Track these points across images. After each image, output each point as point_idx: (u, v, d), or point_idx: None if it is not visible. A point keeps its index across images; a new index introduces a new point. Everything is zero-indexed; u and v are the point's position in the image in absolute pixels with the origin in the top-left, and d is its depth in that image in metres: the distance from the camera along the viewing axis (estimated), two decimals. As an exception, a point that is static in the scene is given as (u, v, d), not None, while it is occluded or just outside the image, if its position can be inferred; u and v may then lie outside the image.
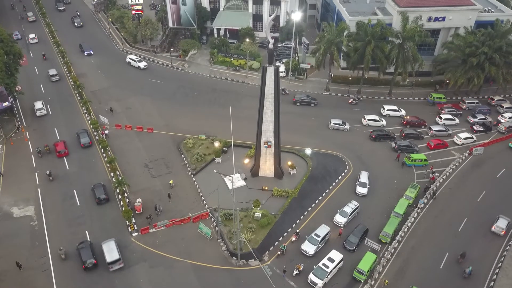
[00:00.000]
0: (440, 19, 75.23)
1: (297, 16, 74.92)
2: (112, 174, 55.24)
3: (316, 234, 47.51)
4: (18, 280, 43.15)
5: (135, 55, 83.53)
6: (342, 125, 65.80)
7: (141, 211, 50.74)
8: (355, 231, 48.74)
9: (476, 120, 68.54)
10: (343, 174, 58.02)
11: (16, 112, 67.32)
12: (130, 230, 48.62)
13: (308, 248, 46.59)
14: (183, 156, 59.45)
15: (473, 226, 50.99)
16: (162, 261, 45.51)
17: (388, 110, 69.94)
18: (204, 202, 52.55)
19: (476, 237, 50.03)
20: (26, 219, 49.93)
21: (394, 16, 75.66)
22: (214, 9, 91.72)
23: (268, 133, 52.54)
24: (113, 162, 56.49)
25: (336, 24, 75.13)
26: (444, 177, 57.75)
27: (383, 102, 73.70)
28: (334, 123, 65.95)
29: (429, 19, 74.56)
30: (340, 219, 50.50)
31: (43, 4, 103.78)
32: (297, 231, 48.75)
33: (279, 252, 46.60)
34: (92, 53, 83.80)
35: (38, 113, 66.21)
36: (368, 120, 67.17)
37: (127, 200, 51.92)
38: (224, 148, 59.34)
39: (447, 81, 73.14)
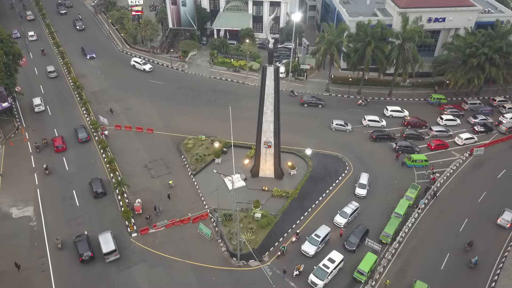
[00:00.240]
0: (440, 20, 75.18)
1: (297, 17, 74.86)
2: (111, 175, 55.05)
3: (316, 235, 47.30)
4: (16, 280, 42.93)
5: (140, 57, 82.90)
6: (344, 126, 65.70)
7: (141, 211, 50.54)
8: (356, 231, 48.53)
9: (476, 120, 68.40)
10: (343, 174, 57.85)
11: (16, 112, 67.23)
12: (129, 230, 48.41)
13: (309, 248, 46.38)
14: (182, 156, 59.29)
15: (474, 227, 50.74)
16: (162, 262, 45.29)
17: (391, 110, 69.87)
18: (204, 202, 52.35)
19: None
20: (25, 219, 49.75)
21: (394, 17, 75.63)
22: (214, 10, 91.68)
23: (268, 133, 52.39)
24: (113, 162, 56.34)
25: (336, 25, 75.07)
26: (445, 177, 57.59)
27: (383, 102, 73.66)
28: (336, 124, 65.82)
29: (429, 20, 74.51)
30: (340, 220, 50.31)
31: (44, 6, 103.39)
32: (297, 231, 48.55)
33: (279, 253, 46.38)
34: (94, 56, 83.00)
35: (36, 109, 67.23)
36: (369, 120, 67.05)
37: (127, 200, 51.72)
38: (224, 149, 59.19)
39: (447, 82, 73.01)
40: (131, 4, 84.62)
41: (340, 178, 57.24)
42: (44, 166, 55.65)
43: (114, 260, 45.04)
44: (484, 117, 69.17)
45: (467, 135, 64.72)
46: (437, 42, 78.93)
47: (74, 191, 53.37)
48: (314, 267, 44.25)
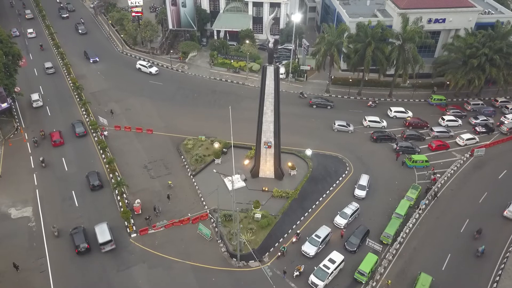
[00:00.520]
0: (440, 20, 75.09)
1: (297, 18, 74.85)
2: (111, 175, 54.86)
3: (316, 235, 47.04)
4: (15, 281, 42.63)
5: (145, 60, 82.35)
6: (347, 127, 65.53)
7: (140, 212, 50.30)
8: (356, 232, 48.28)
9: (477, 121, 68.25)
10: (343, 175, 57.63)
11: (15, 113, 67.04)
12: (129, 231, 48.14)
13: (309, 249, 46.11)
14: (182, 157, 59.08)
15: (475, 227, 50.44)
16: (161, 262, 45.02)
17: (395, 111, 69.73)
18: (204, 203, 52.09)
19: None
20: (24, 220, 49.51)
21: (394, 17, 75.56)
22: (214, 11, 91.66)
23: (268, 133, 52.20)
24: (112, 162, 56.12)
25: (336, 26, 74.97)
26: (446, 178, 57.36)
27: (383, 103, 73.52)
28: (338, 125, 65.64)
29: (429, 21, 74.40)
30: (340, 221, 50.05)
31: (44, 7, 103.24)
32: (298, 232, 48.30)
33: (279, 253, 46.12)
34: (98, 60, 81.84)
35: (34, 104, 68.27)
36: (369, 121, 66.88)
37: (126, 201, 51.47)
38: (224, 149, 58.98)
39: (448, 82, 72.88)
40: (131, 5, 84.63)
41: (340, 178, 57.01)
42: (41, 159, 56.58)
43: (113, 261, 44.81)
44: (485, 118, 69.00)
45: (468, 135, 64.55)
46: (437, 43, 78.81)
47: (73, 191, 53.16)
48: (315, 267, 44.01)
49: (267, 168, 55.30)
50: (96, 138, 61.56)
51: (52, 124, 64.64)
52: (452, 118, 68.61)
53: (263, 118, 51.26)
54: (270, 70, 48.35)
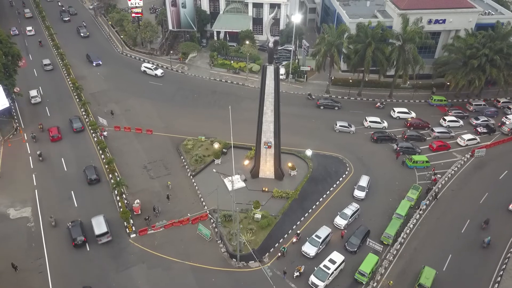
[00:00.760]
0: (440, 21, 75.04)
1: (297, 19, 74.83)
2: (110, 175, 54.65)
3: (317, 236, 46.78)
4: (13, 281, 42.32)
5: (150, 62, 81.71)
6: (348, 127, 65.35)
7: (140, 212, 50.06)
8: (357, 232, 48.03)
9: (478, 122, 68.11)
10: (344, 175, 57.42)
11: (14, 113, 66.88)
12: (128, 231, 47.89)
13: (309, 249, 45.85)
14: (182, 157, 58.88)
15: (476, 228, 50.27)
16: (161, 263, 44.76)
17: (398, 112, 69.62)
18: (204, 203, 51.87)
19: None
20: (22, 220, 49.25)
21: (394, 18, 75.51)
22: (214, 12, 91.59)
23: (268, 133, 52.00)
24: (112, 163, 55.91)
25: (336, 27, 74.88)
26: (446, 178, 57.14)
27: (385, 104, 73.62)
28: (340, 126, 65.46)
29: (430, 22, 74.35)
30: (340, 221, 49.79)
31: (45, 9, 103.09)
32: (298, 232, 48.06)
33: (279, 254, 45.86)
34: (101, 63, 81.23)
35: (32, 101, 69.19)
36: (370, 122, 66.72)
37: (126, 201, 51.24)
38: (223, 150, 58.79)
39: (448, 83, 72.74)
40: (131, 6, 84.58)
41: (340, 179, 56.80)
42: (38, 152, 57.29)
43: (113, 261, 44.62)
44: (486, 119, 68.88)
45: (469, 136, 64.39)
46: (438, 44, 78.78)
47: (72, 191, 52.92)
48: (315, 268, 43.74)
49: (267, 169, 55.09)
50: (93, 133, 61.96)
51: (50, 123, 64.53)
52: (454, 118, 68.43)
53: (263, 118, 51.08)
54: (270, 69, 48.20)
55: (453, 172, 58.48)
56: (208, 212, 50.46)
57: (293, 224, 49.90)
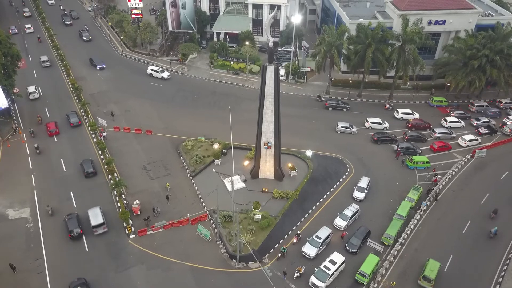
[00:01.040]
0: (440, 22, 74.99)
1: (297, 19, 74.79)
2: (109, 176, 54.44)
3: (317, 236, 46.50)
4: (12, 282, 42.03)
5: (155, 65, 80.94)
6: (350, 128, 65.19)
7: (139, 212, 49.82)
8: (357, 233, 47.76)
9: (479, 123, 67.97)
10: (344, 176, 57.20)
11: (14, 114, 66.70)
12: (127, 232, 47.63)
13: (309, 250, 45.57)
14: (182, 158, 58.66)
15: (477, 229, 50.05)
16: (160, 263, 44.46)
17: (402, 113, 69.53)
18: (203, 204, 51.62)
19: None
20: (21, 221, 48.99)
21: (394, 19, 75.46)
22: (214, 13, 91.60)
23: (268, 133, 51.81)
24: (111, 163, 55.69)
25: (336, 28, 74.81)
26: (447, 179, 56.93)
27: (382, 105, 73.36)
28: (341, 126, 65.28)
29: (430, 23, 74.28)
30: (340, 223, 49.50)
31: (46, 13, 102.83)
32: (298, 232, 47.80)
33: (279, 254, 45.58)
34: (104, 67, 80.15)
35: (31, 97, 70.21)
36: (371, 122, 66.55)
37: (125, 201, 50.99)
38: (223, 150, 58.59)
39: (448, 84, 72.63)
40: (130, 7, 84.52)
41: (341, 180, 56.58)
42: (36, 145, 58.41)
43: (112, 262, 44.40)
44: (487, 119, 68.77)
45: (471, 136, 64.24)
46: (438, 45, 78.72)
47: (71, 192, 52.69)
48: (315, 269, 43.44)
49: (267, 169, 54.88)
50: (89, 128, 62.67)
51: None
52: (455, 119, 68.28)
53: (263, 118, 50.90)
54: (270, 69, 48.03)
55: (453, 173, 58.25)
56: (207, 212, 50.22)
57: (293, 224, 49.63)
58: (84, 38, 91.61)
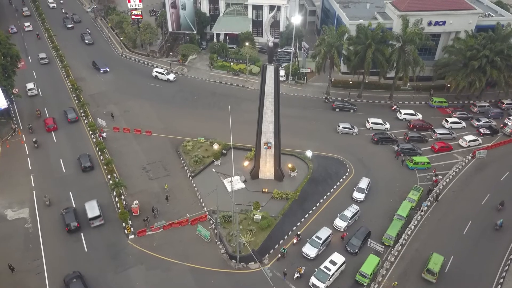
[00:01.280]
0: (440, 23, 74.96)
1: (296, 20, 74.71)
2: (109, 177, 54.27)
3: (317, 237, 46.27)
4: (10, 282, 41.78)
5: (161, 67, 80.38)
6: (351, 129, 65.03)
7: (138, 213, 49.60)
8: (358, 233, 47.54)
9: (480, 123, 67.85)
10: (344, 177, 57.01)
11: (13, 114, 66.55)
12: (126, 232, 47.40)
13: (310, 250, 45.33)
14: (181, 158, 58.48)
15: (478, 229, 49.83)
16: (159, 264, 44.23)
17: (405, 114, 69.43)
18: (203, 204, 51.41)
19: (495, 214, 52.08)
20: (20, 221, 48.77)
21: (394, 20, 75.43)
22: (214, 14, 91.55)
23: (268, 134, 51.65)
24: (110, 164, 55.51)
25: (336, 29, 74.72)
26: (448, 180, 56.75)
27: (384, 106, 73.27)
28: (342, 127, 65.13)
29: (430, 23, 74.25)
30: (340, 223, 49.26)
31: (46, 15, 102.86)
32: (298, 233, 47.58)
33: (279, 255, 45.35)
34: (108, 70, 79.50)
35: (29, 93, 71.18)
36: (372, 123, 66.40)
37: (124, 202, 50.77)
38: (223, 151, 58.41)
39: (449, 85, 72.52)
40: (130, 8, 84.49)
41: (341, 180, 56.38)
42: (34, 139, 59.59)
43: (111, 262, 44.19)
44: (487, 120, 68.67)
45: (472, 137, 64.12)
46: (438, 45, 78.68)
47: (70, 193, 52.48)
48: (315, 269, 43.21)
49: (267, 169, 54.70)
50: (86, 121, 63.54)
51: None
52: (456, 120, 68.16)
53: (263, 118, 50.74)
54: (270, 69, 47.90)
55: (454, 173, 58.08)
56: (207, 213, 50.00)
57: (293, 225, 49.41)
58: (87, 41, 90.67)
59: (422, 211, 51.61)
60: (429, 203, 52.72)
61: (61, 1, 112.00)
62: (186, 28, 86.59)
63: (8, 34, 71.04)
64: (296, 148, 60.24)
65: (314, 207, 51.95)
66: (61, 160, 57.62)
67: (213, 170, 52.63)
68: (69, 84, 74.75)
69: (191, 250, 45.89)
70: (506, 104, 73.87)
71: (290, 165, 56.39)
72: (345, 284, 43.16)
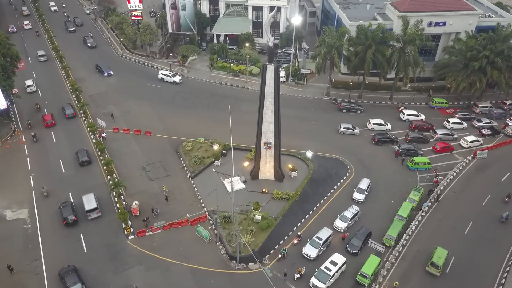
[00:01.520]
0: (440, 24, 74.94)
1: (296, 21, 74.66)
2: (109, 177, 54.09)
3: (318, 237, 46.06)
4: (9, 283, 41.59)
5: (166, 70, 79.82)
6: (353, 130, 64.89)
7: (138, 213, 49.41)
8: (358, 234, 47.34)
9: (481, 124, 67.73)
10: (344, 177, 56.83)
11: (13, 115, 66.40)
12: (126, 232, 47.18)
13: (310, 251, 45.12)
14: (181, 159, 58.31)
15: (479, 229, 49.62)
16: (159, 265, 44.03)
17: (407, 114, 69.32)
18: (203, 204, 51.21)
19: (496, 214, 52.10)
20: (19, 222, 48.60)
21: (394, 21, 75.42)
22: (214, 15, 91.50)
23: (268, 134, 51.50)
24: (110, 164, 55.34)
25: (336, 30, 74.65)
26: (448, 180, 56.58)
27: (384, 106, 73.15)
28: (344, 128, 65.00)
29: (430, 24, 74.25)
30: (340, 224, 49.05)
31: (47, 17, 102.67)
32: (299, 233, 47.37)
33: (279, 255, 45.13)
34: (112, 73, 78.66)
35: (28, 90, 72.16)
36: (374, 124, 66.25)
37: (124, 202, 50.58)
38: (223, 151, 58.25)
39: (449, 86, 72.41)
40: (130, 9, 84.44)
41: (341, 181, 56.20)
42: (32, 133, 60.68)
43: (110, 263, 43.99)
44: (488, 120, 68.56)
45: (473, 137, 63.97)
46: (438, 46, 78.63)
47: (70, 193, 52.28)
48: (316, 270, 43.00)
49: (267, 170, 54.52)
50: (85, 120, 63.74)
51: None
52: (458, 120, 68.02)
53: (263, 119, 50.61)
54: (270, 69, 47.78)
55: (455, 174, 57.91)
56: (207, 213, 49.79)
57: (293, 225, 49.22)
58: (89, 44, 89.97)
59: (423, 211, 51.43)
60: (430, 204, 52.54)
61: (63, 5, 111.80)
62: (186, 29, 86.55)
63: (8, 34, 70.95)
64: (296, 148, 60.09)
65: (315, 208, 51.77)
66: (59, 155, 58.26)
67: (213, 170, 52.41)
68: (68, 84, 74.60)
69: (191, 250, 45.69)
70: (508, 104, 73.74)
71: (290, 166, 56.23)
72: (345, 284, 42.96)
